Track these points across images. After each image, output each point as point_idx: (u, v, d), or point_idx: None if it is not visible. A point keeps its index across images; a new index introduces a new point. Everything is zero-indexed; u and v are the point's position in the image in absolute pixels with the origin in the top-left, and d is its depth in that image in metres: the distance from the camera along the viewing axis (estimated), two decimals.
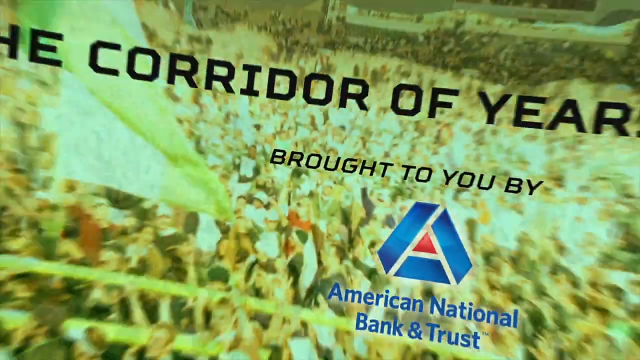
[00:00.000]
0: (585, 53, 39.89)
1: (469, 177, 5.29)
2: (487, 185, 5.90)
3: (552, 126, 4.92)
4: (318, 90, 5.40)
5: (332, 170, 5.87)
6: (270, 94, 5.19)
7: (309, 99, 5.29)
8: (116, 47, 4.91)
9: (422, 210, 4.86)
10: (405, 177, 7.89)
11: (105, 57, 4.91)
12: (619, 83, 34.88)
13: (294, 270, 6.42)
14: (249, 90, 5.16)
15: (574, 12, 40.83)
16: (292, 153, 5.55)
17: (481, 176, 5.65)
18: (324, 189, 8.85)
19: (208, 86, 5.29)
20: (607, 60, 38.91)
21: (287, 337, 4.82)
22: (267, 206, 7.88)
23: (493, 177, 5.31)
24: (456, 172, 5.29)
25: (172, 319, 4.94)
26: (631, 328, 5.64)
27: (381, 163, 5.72)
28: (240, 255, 6.35)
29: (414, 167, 5.92)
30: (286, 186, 8.95)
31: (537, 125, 5.12)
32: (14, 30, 4.96)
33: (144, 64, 5.01)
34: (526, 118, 4.93)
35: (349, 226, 8.19)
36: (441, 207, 4.85)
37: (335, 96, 5.28)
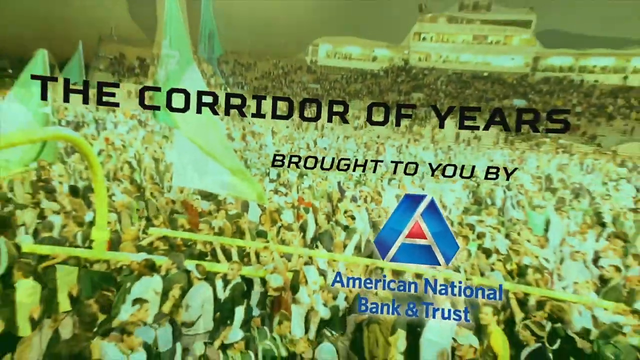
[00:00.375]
0: (495, 79, 39.17)
1: (393, 168, 4.74)
2: (403, 173, 6.02)
3: (486, 127, 4.18)
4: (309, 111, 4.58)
5: (326, 169, 5.31)
6: (274, 115, 4.26)
7: (303, 118, 4.53)
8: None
9: (412, 201, 3.77)
10: (357, 169, 8.11)
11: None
12: (517, 99, 34.93)
13: (303, 229, 6.46)
14: (258, 114, 4.23)
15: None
16: (291, 156, 4.88)
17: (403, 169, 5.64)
18: (316, 183, 9.13)
19: (227, 113, 4.55)
20: (509, 84, 38.55)
21: (301, 265, 4.79)
22: (286, 195, 7.89)
23: (406, 169, 5.18)
24: (387, 169, 5.06)
25: (239, 258, 5.02)
26: (478, 244, 5.92)
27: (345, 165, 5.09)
28: (273, 222, 6.37)
29: (359, 166, 5.23)
30: (295, 183, 9.09)
31: (476, 127, 4.30)
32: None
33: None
34: (467, 122, 4.16)
35: (331, 203, 8.18)
36: (429, 197, 3.78)
37: (323, 114, 4.39)
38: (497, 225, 6.96)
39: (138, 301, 3.68)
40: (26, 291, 3.60)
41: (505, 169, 4.88)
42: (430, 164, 5.12)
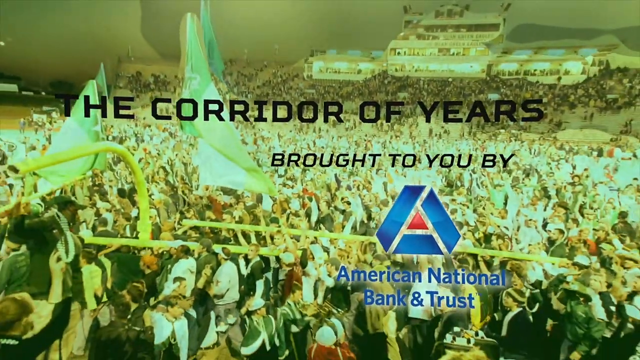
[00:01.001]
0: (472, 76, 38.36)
1: (378, 161, 4.48)
2: (390, 164, 5.97)
3: (469, 119, 3.73)
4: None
5: (325, 166, 4.89)
6: (275, 118, 3.77)
7: (302, 119, 4.01)
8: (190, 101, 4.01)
9: (411, 193, 3.21)
10: (352, 165, 8.01)
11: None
12: (490, 93, 34.44)
13: (308, 214, 6.41)
14: (260, 118, 3.81)
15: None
16: (290, 155, 4.46)
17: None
18: (317, 176, 9.02)
19: (232, 118, 4.09)
20: (484, 80, 37.88)
21: (308, 244, 4.71)
22: (292, 187, 7.85)
23: (393, 161, 4.99)
24: (375, 161, 4.86)
25: (256, 241, 5.02)
26: (452, 220, 6.02)
27: (344, 161, 4.74)
28: (283, 210, 6.26)
29: (357, 161, 4.71)
30: (300, 177, 9.01)
31: (459, 120, 3.80)
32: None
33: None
34: (450, 115, 3.65)
35: (330, 192, 7.99)
36: (428, 188, 3.24)
37: (320, 115, 3.94)
38: (466, 203, 6.92)
39: (178, 279, 3.71)
40: (90, 274, 3.66)
41: (501, 155, 4.49)
42: (428, 155, 4.81)
